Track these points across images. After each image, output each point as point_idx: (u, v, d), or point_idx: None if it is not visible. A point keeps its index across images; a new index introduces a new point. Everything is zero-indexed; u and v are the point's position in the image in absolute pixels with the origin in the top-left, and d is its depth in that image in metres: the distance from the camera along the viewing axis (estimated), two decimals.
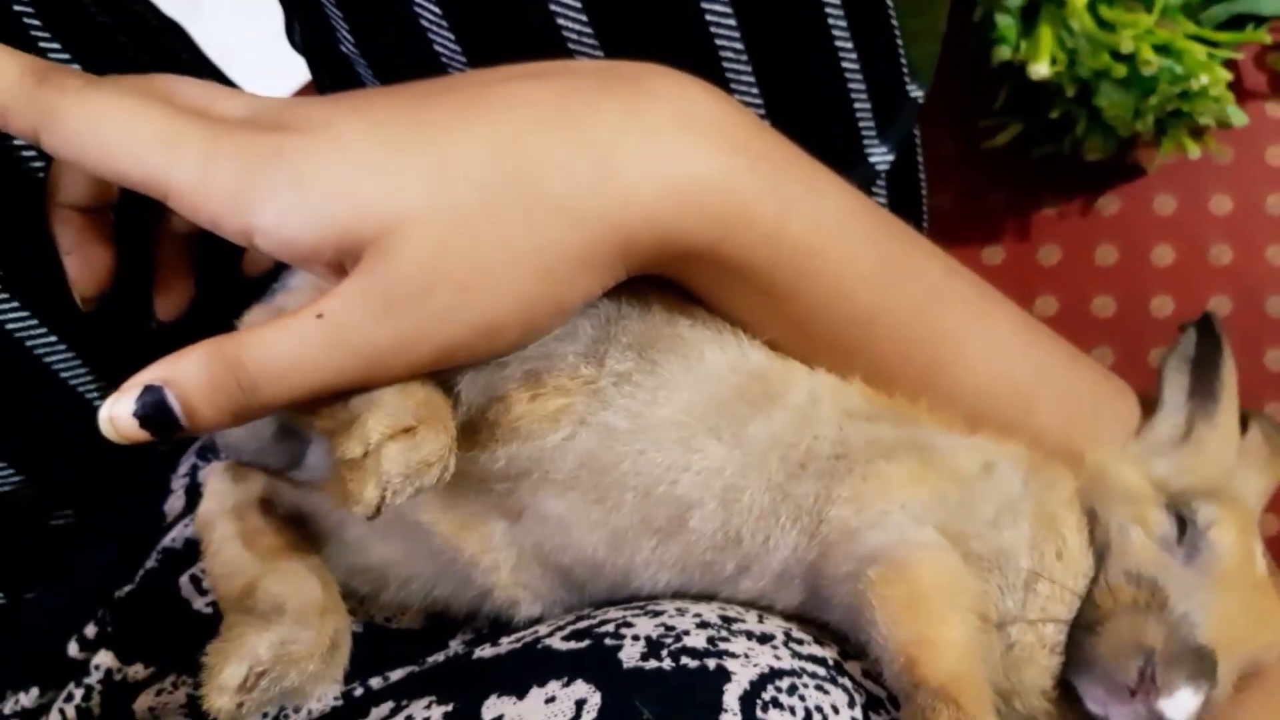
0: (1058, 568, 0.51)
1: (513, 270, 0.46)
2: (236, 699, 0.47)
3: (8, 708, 0.61)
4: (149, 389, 0.45)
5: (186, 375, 0.45)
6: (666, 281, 0.53)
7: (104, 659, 0.58)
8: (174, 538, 0.64)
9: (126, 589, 0.62)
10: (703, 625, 0.49)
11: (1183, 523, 0.53)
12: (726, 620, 0.49)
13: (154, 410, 0.45)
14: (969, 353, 0.56)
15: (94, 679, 0.58)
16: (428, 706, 0.47)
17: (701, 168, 0.48)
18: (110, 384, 0.67)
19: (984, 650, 0.48)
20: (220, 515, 0.54)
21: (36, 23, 0.59)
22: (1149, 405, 0.60)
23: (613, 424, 0.50)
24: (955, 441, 0.54)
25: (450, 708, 0.46)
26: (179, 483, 0.68)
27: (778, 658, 0.47)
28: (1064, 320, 0.93)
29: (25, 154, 0.58)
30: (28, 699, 0.61)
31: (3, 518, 0.65)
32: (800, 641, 0.49)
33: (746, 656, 0.47)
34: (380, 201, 0.45)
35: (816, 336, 0.53)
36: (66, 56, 0.60)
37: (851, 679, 0.48)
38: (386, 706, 0.48)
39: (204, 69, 0.78)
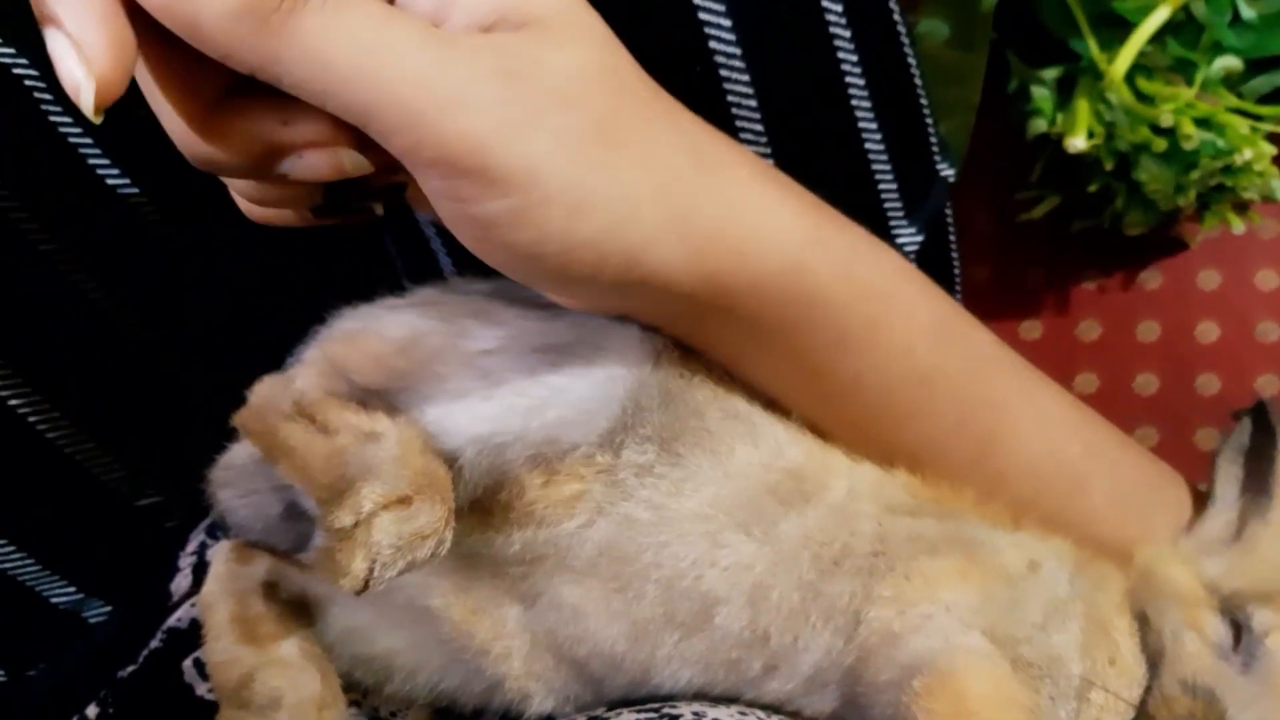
0: (1111, 675, 0.48)
1: (636, 163, 0.41)
2: None
3: None
4: None
5: None
6: (693, 369, 0.50)
7: None
8: (179, 617, 0.61)
9: (130, 669, 0.59)
10: None
11: (1238, 629, 0.49)
12: None
13: None
14: (1023, 426, 0.53)
15: None
16: None
17: (776, 200, 0.46)
18: (117, 458, 0.65)
19: None
20: (221, 598, 0.51)
21: None
22: (1198, 496, 0.57)
23: (634, 515, 0.48)
24: (1000, 537, 0.50)
25: None
26: (186, 560, 0.66)
27: None
28: (1105, 398, 0.90)
29: None
30: None
31: (4, 595, 0.63)
32: None
33: None
34: None
35: (874, 399, 0.50)
36: None
37: None
38: None
39: None
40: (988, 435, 0.52)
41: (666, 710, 0.48)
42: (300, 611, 0.52)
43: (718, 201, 0.44)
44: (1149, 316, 0.91)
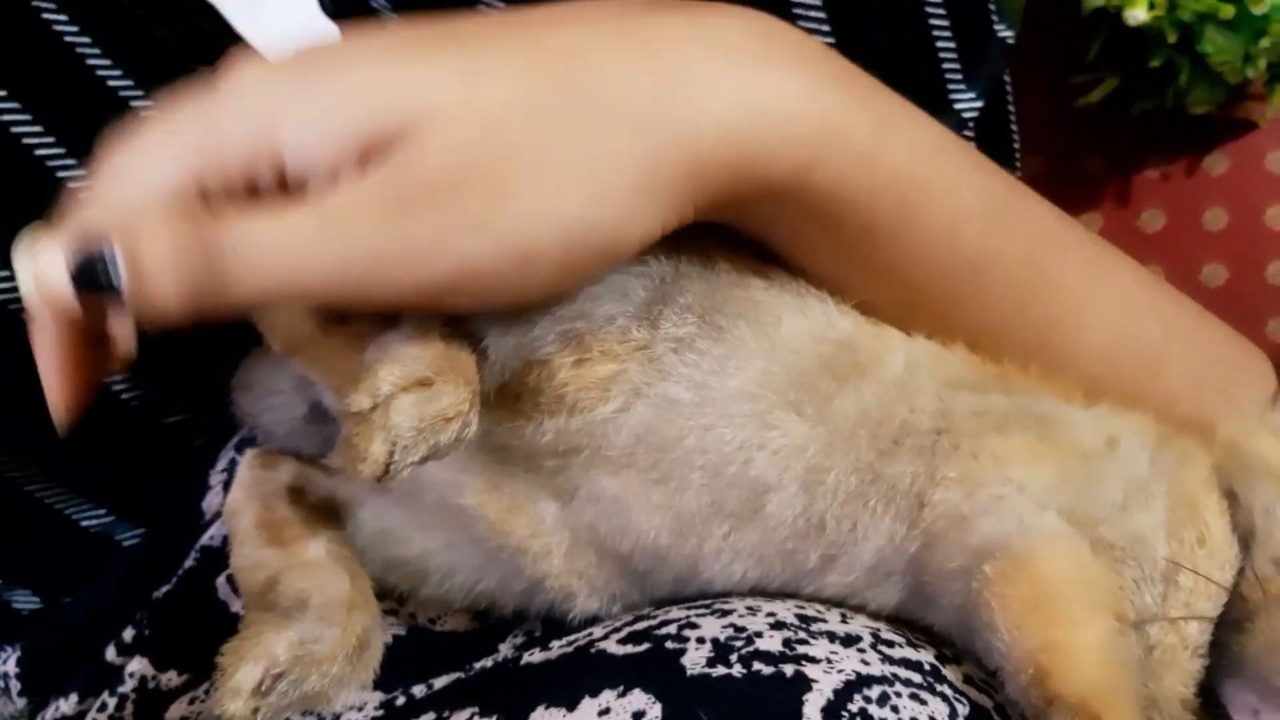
0: (1200, 556, 0.44)
1: (558, 183, 0.39)
2: (251, 704, 0.42)
3: (49, 715, 0.57)
4: (95, 239, 0.36)
5: (149, 236, 0.36)
6: (735, 242, 0.47)
7: (138, 666, 0.54)
8: (212, 535, 0.59)
9: (165, 589, 0.57)
10: (778, 626, 0.42)
11: None
12: (805, 620, 0.43)
13: (90, 266, 0.36)
14: (1093, 309, 0.48)
15: (128, 687, 0.54)
16: (470, 718, 0.41)
17: (780, 79, 0.41)
18: (133, 375, 0.63)
19: (1124, 655, 0.41)
20: (246, 504, 0.49)
21: (73, 28, 0.55)
22: None
23: (674, 395, 0.44)
24: (1074, 413, 0.46)
25: None
26: (217, 478, 0.64)
27: (865, 663, 0.41)
28: None
29: None
30: (67, 705, 0.57)
31: (34, 522, 0.61)
32: (890, 644, 0.42)
33: (829, 661, 0.40)
34: (404, 92, 0.38)
35: (919, 289, 0.46)
36: (108, 62, 0.56)
37: (952, 686, 0.41)
38: (428, 718, 0.43)
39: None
40: (1051, 320, 0.48)
41: (718, 605, 0.44)
42: (329, 515, 0.50)
43: (689, 139, 0.40)
44: (1216, 203, 0.86)
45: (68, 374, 0.41)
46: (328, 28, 0.67)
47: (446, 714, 0.42)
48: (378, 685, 0.48)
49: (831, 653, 0.41)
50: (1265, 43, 0.76)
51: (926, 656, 0.42)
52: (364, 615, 0.46)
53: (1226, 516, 0.45)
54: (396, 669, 0.48)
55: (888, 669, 0.41)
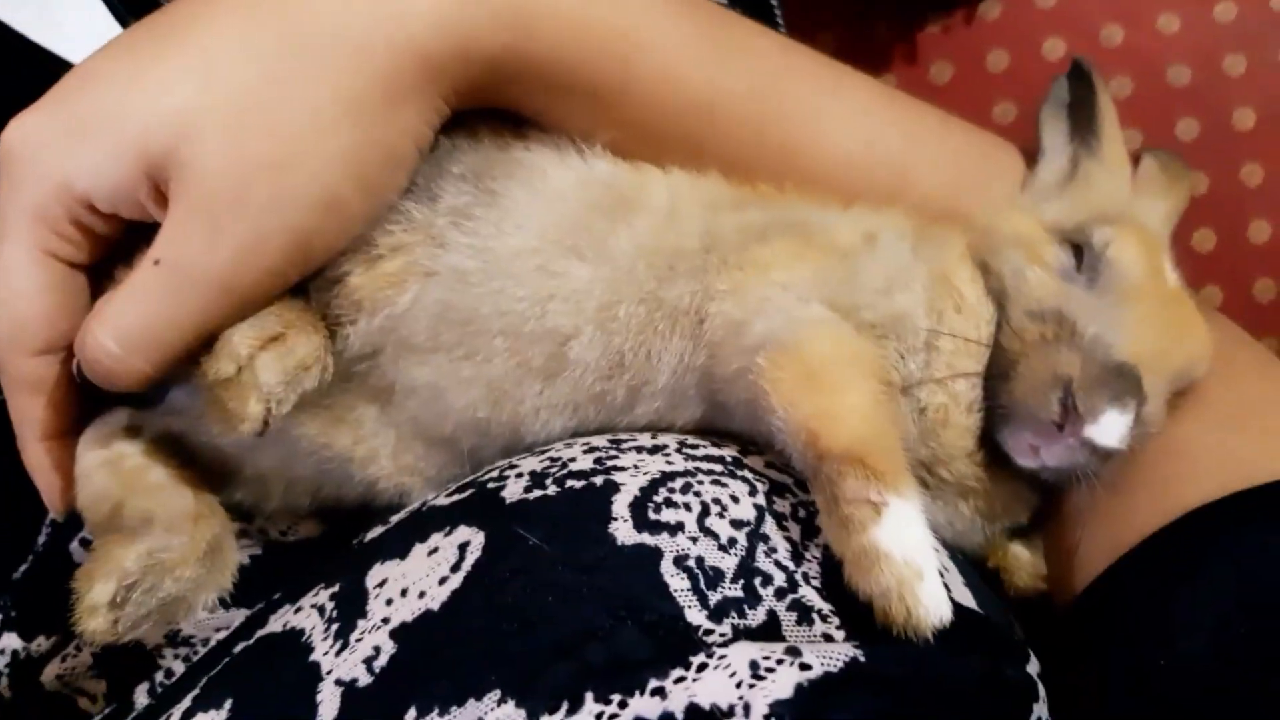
0: (958, 320, 0.49)
1: (319, 128, 0.43)
2: (110, 617, 0.44)
3: None
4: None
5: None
6: (497, 118, 0.50)
7: (8, 642, 0.56)
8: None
9: (23, 569, 0.59)
10: (590, 450, 0.46)
11: (1079, 251, 0.50)
12: (616, 441, 0.47)
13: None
14: (826, 126, 0.53)
15: (1, 664, 0.55)
16: (317, 594, 0.44)
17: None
18: None
19: (891, 415, 0.45)
20: (88, 446, 0.51)
21: None
22: (1031, 159, 0.58)
23: (460, 267, 0.47)
24: (832, 216, 0.51)
25: (337, 588, 0.44)
26: None
27: (670, 463, 0.44)
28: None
29: None
30: None
31: None
32: (695, 446, 0.46)
33: (636, 468, 0.44)
34: (153, 119, 0.43)
35: (659, 134, 0.50)
36: None
37: (753, 470, 0.45)
38: (285, 609, 0.46)
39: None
40: (791, 146, 0.52)
41: (538, 449, 0.48)
42: (167, 447, 0.52)
43: (410, 41, 0.45)
44: (997, 46, 0.91)
45: None
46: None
47: (299, 597, 0.45)
48: (241, 602, 0.50)
49: (639, 461, 0.44)
50: None
51: (729, 451, 0.46)
52: (211, 524, 0.48)
53: (980, 284, 0.50)
54: (258, 585, 0.51)
55: (691, 464, 0.44)
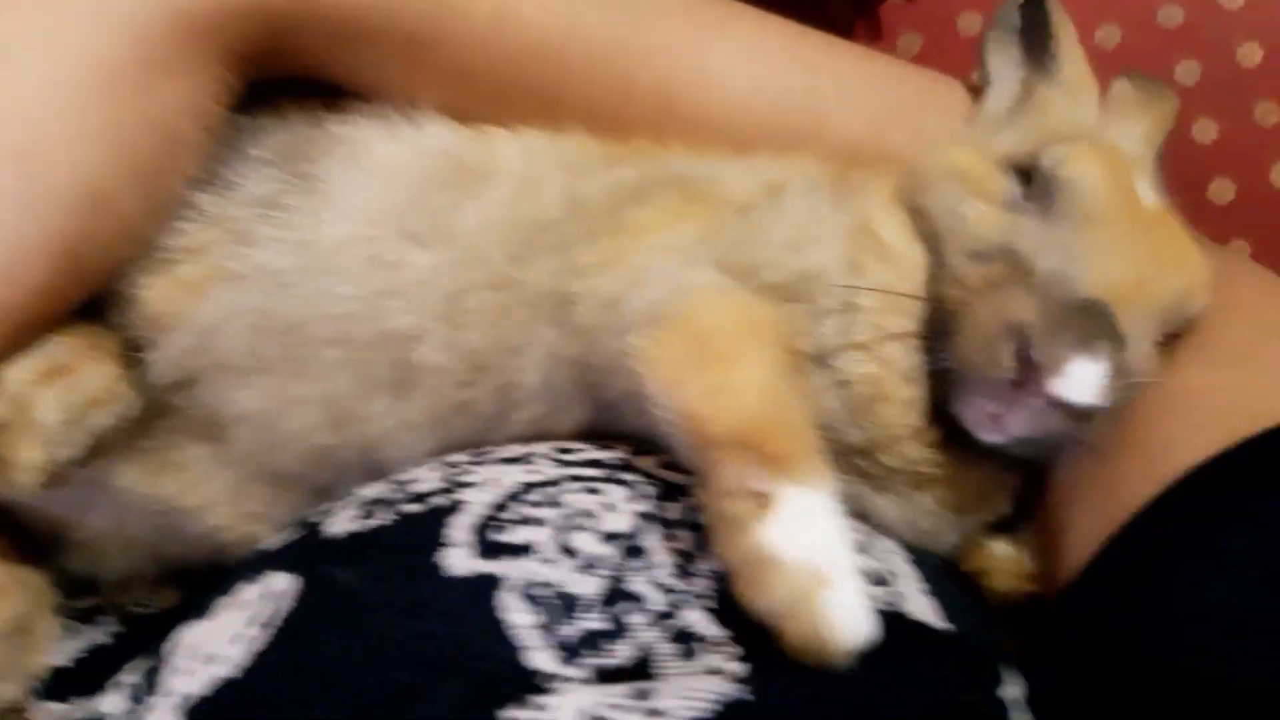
0: (882, 272, 0.40)
1: (64, 106, 0.36)
2: None
3: None
4: None
5: None
6: (309, 91, 0.43)
7: None
8: None
9: None
10: (443, 467, 0.38)
11: (1027, 176, 0.41)
12: (479, 454, 0.38)
13: None
14: (711, 66, 0.44)
15: None
16: (132, 669, 0.37)
17: None
18: None
19: (800, 390, 0.36)
20: None
21: None
22: (977, 90, 0.49)
23: (272, 266, 0.40)
24: (725, 168, 0.42)
25: (150, 660, 0.36)
26: None
27: (533, 472, 0.36)
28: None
29: None
30: None
31: None
32: (571, 451, 0.38)
33: (491, 483, 0.36)
34: None
35: (501, 87, 0.42)
36: None
37: (643, 473, 0.36)
38: (116, 690, 0.38)
39: None
40: (668, 91, 0.44)
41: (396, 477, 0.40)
42: None
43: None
44: (966, 9, 0.83)
45: None
46: None
47: (123, 674, 0.38)
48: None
49: (496, 475, 0.36)
50: None
51: (614, 454, 0.37)
52: (15, 600, 0.41)
53: (909, 229, 0.41)
54: (121, 664, 0.43)
55: (561, 472, 0.36)
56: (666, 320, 0.36)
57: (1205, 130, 0.77)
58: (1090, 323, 0.36)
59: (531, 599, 0.31)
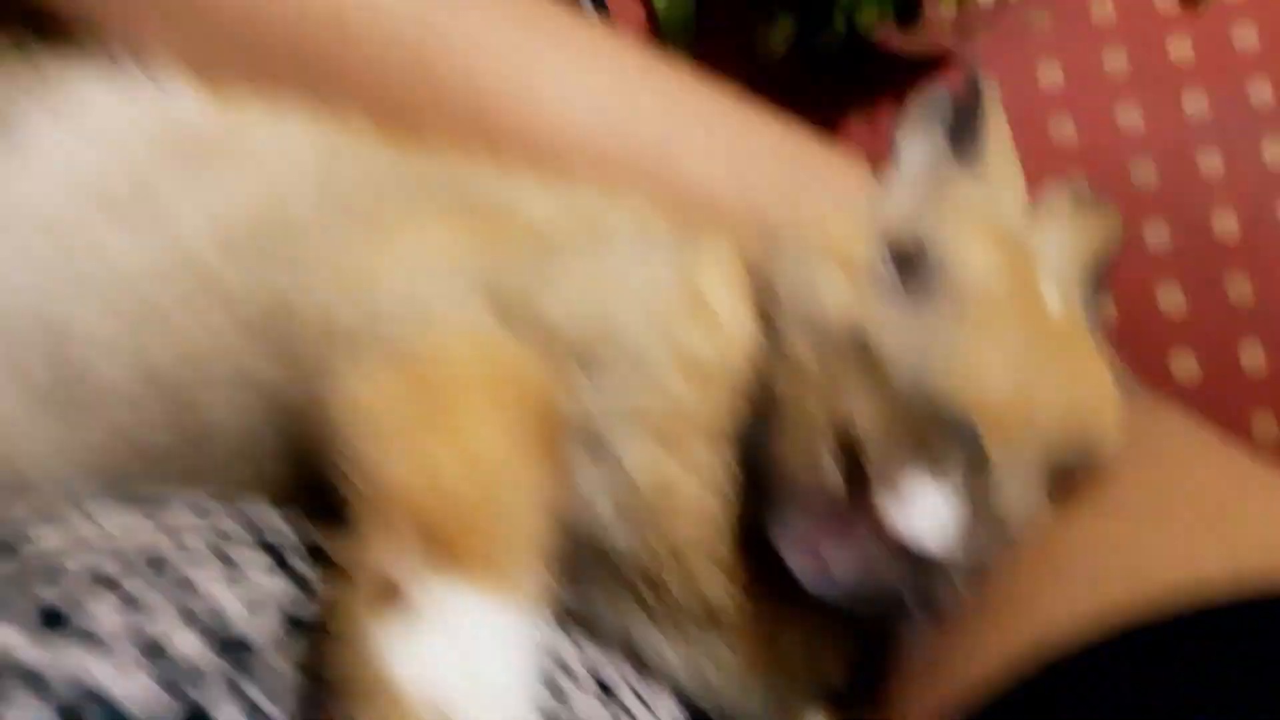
0: (701, 345, 0.31)
1: None
2: None
3: None
4: None
5: None
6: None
7: None
8: None
9: None
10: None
11: (909, 262, 0.32)
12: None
13: None
14: (540, 75, 0.36)
15: None
16: None
17: None
18: None
19: (550, 477, 0.27)
20: None
21: None
22: None
23: None
24: (536, 191, 0.34)
25: None
26: None
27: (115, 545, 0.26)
28: None
29: None
30: None
31: None
32: (210, 512, 0.28)
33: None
34: None
35: (265, 49, 0.34)
36: None
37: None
38: None
39: None
40: (476, 88, 0.35)
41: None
42: None
43: None
44: None
45: None
46: None
47: None
48: None
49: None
50: None
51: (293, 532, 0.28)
52: None
53: (745, 298, 0.32)
54: None
55: (171, 540, 0.26)
56: (396, 356, 0.27)
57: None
58: (945, 439, 0.27)
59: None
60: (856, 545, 0.27)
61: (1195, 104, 0.70)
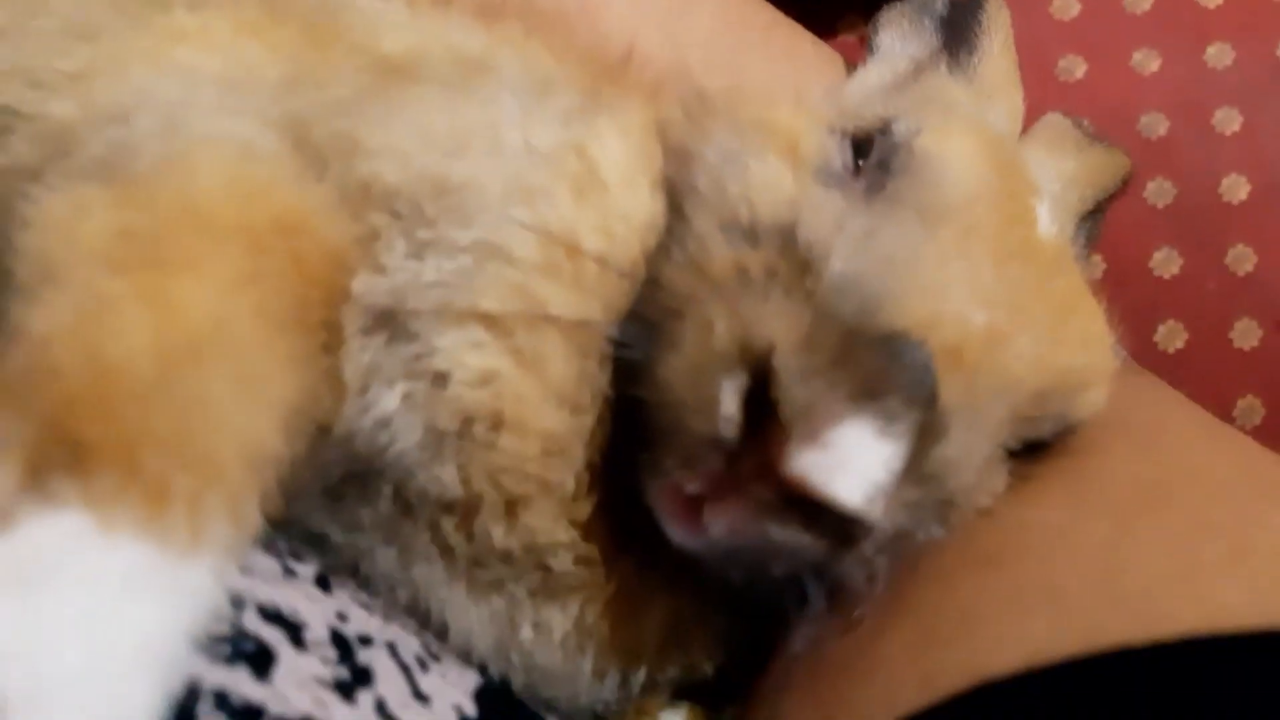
0: (577, 216, 0.23)
1: None
2: None
3: None
4: None
5: None
6: None
7: None
8: None
9: None
10: None
11: (862, 146, 0.25)
12: None
13: None
14: None
15: None
16: None
17: None
18: None
19: (301, 362, 0.19)
20: None
21: None
22: None
23: None
24: (401, 16, 0.26)
25: None
26: None
27: None
28: None
29: None
30: None
31: None
32: None
33: None
34: None
35: None
36: None
37: None
38: None
39: None
40: None
41: None
42: None
43: None
44: None
45: None
46: None
47: None
48: None
49: None
50: None
51: None
52: None
53: (651, 173, 0.24)
54: None
55: None
56: (124, 177, 0.20)
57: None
58: (887, 371, 0.20)
59: None
60: (746, 496, 0.20)
61: (1220, 57, 0.62)
